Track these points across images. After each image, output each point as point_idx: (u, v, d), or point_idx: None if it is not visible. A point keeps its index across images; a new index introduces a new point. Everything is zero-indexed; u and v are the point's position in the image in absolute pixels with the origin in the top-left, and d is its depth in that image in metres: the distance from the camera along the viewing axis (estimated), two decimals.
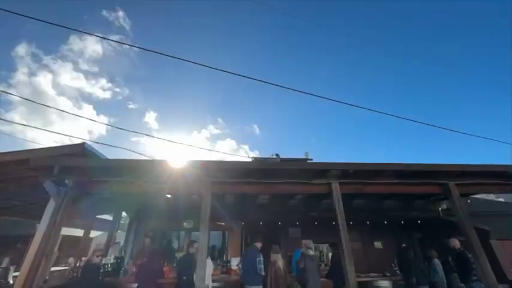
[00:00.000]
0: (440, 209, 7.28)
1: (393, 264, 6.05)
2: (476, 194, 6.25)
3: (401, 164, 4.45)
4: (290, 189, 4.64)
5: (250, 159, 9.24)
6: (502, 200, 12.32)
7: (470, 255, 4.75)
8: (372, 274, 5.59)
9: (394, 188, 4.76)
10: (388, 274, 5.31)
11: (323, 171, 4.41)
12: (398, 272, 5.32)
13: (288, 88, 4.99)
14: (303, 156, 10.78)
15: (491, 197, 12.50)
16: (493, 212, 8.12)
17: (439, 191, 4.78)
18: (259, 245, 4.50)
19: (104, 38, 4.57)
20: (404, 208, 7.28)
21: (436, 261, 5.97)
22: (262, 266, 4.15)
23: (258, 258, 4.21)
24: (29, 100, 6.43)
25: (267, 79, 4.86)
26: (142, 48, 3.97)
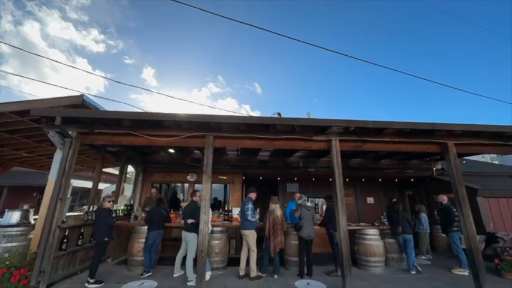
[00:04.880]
0: (434, 168, 7.51)
1: (382, 216, 6.53)
2: (474, 154, 6.37)
3: (403, 122, 4.41)
4: (290, 145, 4.71)
5: None
6: (496, 162, 12.65)
7: (454, 209, 5.09)
8: (361, 224, 6.08)
9: (394, 147, 4.83)
10: (376, 224, 5.78)
11: (324, 127, 4.41)
12: (386, 222, 5.77)
13: (289, 37, 4.66)
14: (304, 116, 10.73)
15: (486, 158, 12.81)
16: (484, 173, 8.43)
17: (438, 150, 4.84)
18: (252, 195, 4.82)
19: None
20: (400, 167, 7.51)
21: (423, 214, 6.45)
22: (249, 212, 4.55)
23: (246, 206, 4.60)
24: (21, 49, 6.09)
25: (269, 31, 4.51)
26: None
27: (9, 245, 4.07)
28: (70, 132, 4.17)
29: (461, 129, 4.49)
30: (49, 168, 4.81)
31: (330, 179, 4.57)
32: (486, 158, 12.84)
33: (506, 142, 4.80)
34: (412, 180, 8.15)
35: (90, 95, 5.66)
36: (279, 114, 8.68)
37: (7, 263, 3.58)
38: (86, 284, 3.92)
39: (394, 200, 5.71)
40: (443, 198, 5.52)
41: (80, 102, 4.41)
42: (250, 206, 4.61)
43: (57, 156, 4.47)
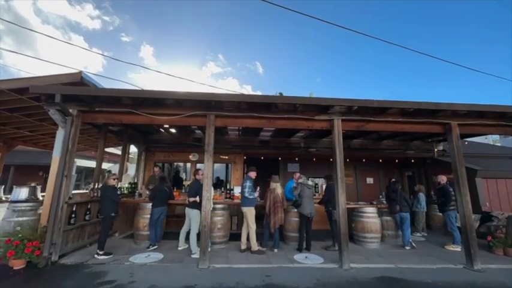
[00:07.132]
0: (436, 149, 7.51)
1: (380, 196, 6.67)
2: (477, 135, 6.33)
3: (408, 101, 4.34)
4: (292, 125, 4.68)
5: None
6: (498, 144, 12.61)
7: (451, 189, 5.17)
8: (360, 202, 6.24)
9: (397, 127, 4.79)
10: (374, 203, 5.92)
11: (326, 107, 4.35)
12: (384, 201, 5.91)
13: (290, 10, 4.44)
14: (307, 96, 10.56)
15: (488, 140, 12.77)
16: (485, 154, 8.44)
17: (441, 130, 4.81)
18: (252, 174, 4.95)
19: None
20: (401, 148, 7.52)
21: (421, 194, 6.58)
22: (246, 190, 4.70)
23: (244, 184, 4.77)
24: (17, 25, 5.86)
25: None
26: None
27: (20, 219, 4.24)
28: (71, 110, 4.15)
29: (466, 109, 4.42)
30: (53, 147, 4.85)
31: (331, 160, 4.60)
32: (489, 139, 12.78)
33: (510, 123, 4.74)
34: (413, 161, 8.20)
35: (89, 72, 5.51)
36: (280, 94, 8.57)
37: (20, 235, 3.74)
38: (96, 256, 4.13)
39: (394, 180, 5.79)
40: (442, 179, 5.59)
41: (78, 80, 4.34)
42: (248, 184, 4.74)
43: (60, 134, 4.49)
